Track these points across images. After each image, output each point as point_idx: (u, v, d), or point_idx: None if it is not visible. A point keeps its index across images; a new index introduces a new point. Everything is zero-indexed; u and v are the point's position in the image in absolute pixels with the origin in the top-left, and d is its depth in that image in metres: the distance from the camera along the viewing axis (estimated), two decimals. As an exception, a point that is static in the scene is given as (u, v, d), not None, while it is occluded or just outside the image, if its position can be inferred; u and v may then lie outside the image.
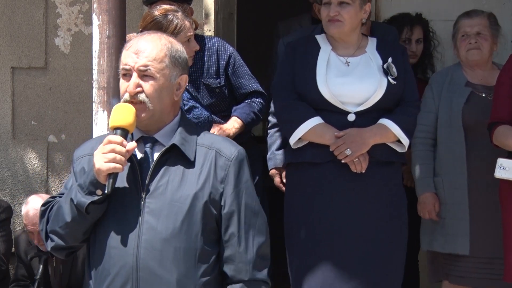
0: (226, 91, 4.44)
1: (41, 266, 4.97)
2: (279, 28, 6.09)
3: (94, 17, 3.62)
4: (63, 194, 2.91)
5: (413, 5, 5.46)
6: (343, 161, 3.95)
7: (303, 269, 4.01)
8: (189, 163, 2.82)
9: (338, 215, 3.97)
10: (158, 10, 4.07)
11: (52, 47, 5.72)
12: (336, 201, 3.97)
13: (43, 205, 2.96)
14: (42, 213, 2.94)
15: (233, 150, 2.88)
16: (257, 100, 4.53)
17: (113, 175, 2.74)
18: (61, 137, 5.75)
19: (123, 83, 2.85)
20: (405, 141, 4.02)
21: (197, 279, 2.79)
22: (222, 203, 2.83)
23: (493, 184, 4.25)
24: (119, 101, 3.55)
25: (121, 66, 2.86)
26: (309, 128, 3.97)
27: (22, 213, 5.07)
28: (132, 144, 2.77)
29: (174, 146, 2.82)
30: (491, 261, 4.35)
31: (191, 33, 4.07)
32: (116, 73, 3.60)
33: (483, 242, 4.35)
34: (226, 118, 4.43)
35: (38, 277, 4.96)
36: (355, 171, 3.97)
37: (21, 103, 5.74)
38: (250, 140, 4.62)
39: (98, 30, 3.62)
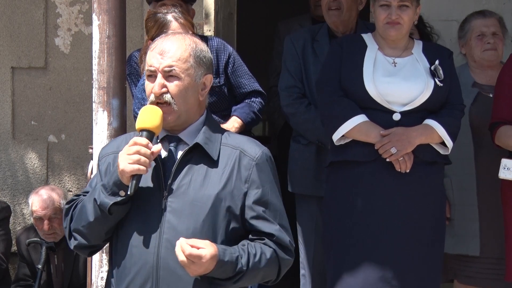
0: (225, 90, 4.45)
1: (43, 254, 4.95)
2: (280, 28, 6.10)
3: (94, 17, 3.62)
4: (87, 192, 2.92)
5: (413, 5, 5.44)
6: (388, 160, 3.95)
7: (343, 268, 4.00)
8: (213, 163, 2.83)
9: (381, 213, 3.96)
10: (158, 9, 4.11)
11: (52, 47, 5.72)
12: (379, 200, 3.97)
13: (67, 203, 2.97)
14: (66, 211, 2.94)
15: (257, 150, 2.88)
16: (257, 100, 4.53)
17: (136, 177, 2.75)
18: (61, 137, 5.75)
19: (148, 85, 2.86)
20: (449, 143, 4.03)
21: None
22: (246, 203, 2.82)
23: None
24: (119, 101, 3.55)
25: (146, 68, 2.87)
26: (354, 125, 3.96)
27: (30, 201, 5.05)
28: (157, 147, 2.77)
29: (197, 145, 2.82)
30: (499, 262, 4.33)
31: (190, 33, 4.09)
32: (116, 73, 3.61)
33: (492, 243, 4.34)
34: (226, 117, 4.43)
35: (40, 266, 4.94)
36: (399, 170, 3.96)
37: (21, 103, 5.74)
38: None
39: (98, 30, 3.61)
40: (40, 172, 5.74)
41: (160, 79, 2.82)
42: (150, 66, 2.84)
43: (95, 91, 3.63)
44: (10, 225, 5.48)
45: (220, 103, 4.45)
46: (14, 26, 5.72)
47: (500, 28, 4.50)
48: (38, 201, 5.00)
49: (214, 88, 4.42)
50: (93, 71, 3.64)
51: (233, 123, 4.38)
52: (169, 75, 2.82)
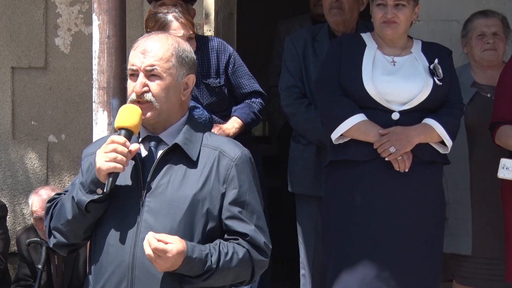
0: (225, 90, 4.45)
1: (43, 254, 4.95)
2: (280, 28, 6.10)
3: (94, 17, 3.62)
4: (68, 191, 2.93)
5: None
6: (386, 159, 3.95)
7: (342, 267, 4.01)
8: (192, 163, 2.82)
9: (381, 213, 3.97)
10: (158, 8, 4.11)
11: (52, 47, 5.72)
12: (379, 199, 3.97)
13: (48, 201, 2.98)
14: (47, 210, 2.96)
15: (237, 151, 2.87)
16: (257, 100, 4.53)
17: (113, 175, 2.74)
18: (61, 137, 5.75)
19: (130, 83, 2.86)
20: (449, 142, 4.03)
21: None
22: (224, 204, 2.81)
23: (496, 184, 4.23)
24: (119, 101, 3.55)
25: (128, 66, 2.88)
26: (353, 124, 3.97)
27: (30, 201, 5.05)
28: (135, 146, 2.77)
29: (177, 145, 2.82)
30: (492, 262, 4.34)
31: (191, 33, 4.09)
32: (116, 73, 3.61)
33: (486, 243, 4.34)
34: (226, 118, 4.44)
35: (40, 266, 4.94)
36: (398, 169, 3.96)
37: (21, 103, 5.74)
38: (250, 140, 4.62)
39: (98, 30, 3.62)
40: (40, 172, 5.74)
41: (141, 78, 2.82)
42: (132, 65, 2.85)
43: (95, 91, 3.63)
44: (10, 225, 5.48)
45: (220, 103, 4.45)
46: (14, 26, 5.72)
47: (502, 28, 4.49)
48: (38, 201, 5.00)
49: (215, 89, 4.42)
50: (93, 71, 3.64)
51: (233, 123, 4.39)
52: (150, 74, 2.82)
